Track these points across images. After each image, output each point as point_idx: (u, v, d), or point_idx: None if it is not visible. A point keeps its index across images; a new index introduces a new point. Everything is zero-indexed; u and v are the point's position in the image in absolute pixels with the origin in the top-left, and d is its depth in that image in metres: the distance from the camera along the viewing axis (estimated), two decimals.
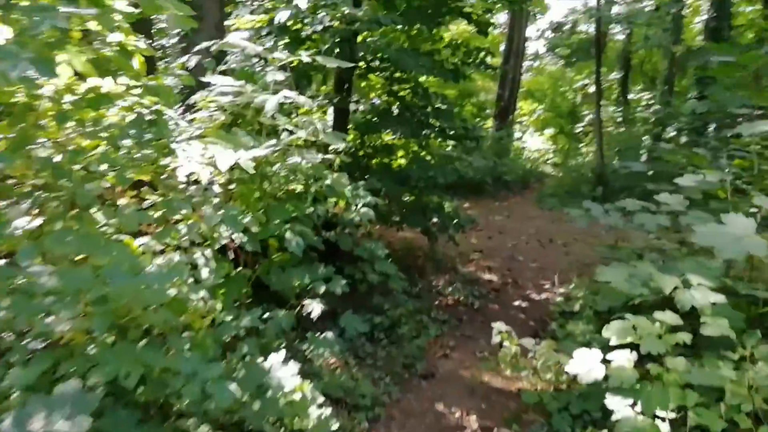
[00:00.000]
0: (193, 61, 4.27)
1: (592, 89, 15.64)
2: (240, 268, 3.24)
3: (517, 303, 5.72)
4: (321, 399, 2.75)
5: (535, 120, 19.61)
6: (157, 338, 2.22)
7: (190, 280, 2.67)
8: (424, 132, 6.01)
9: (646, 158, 12.30)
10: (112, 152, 2.75)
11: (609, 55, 16.82)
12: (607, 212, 4.16)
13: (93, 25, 2.62)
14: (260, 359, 2.68)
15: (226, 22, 5.56)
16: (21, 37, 2.05)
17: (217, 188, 3.21)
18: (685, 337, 2.52)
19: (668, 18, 12.71)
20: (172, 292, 2.32)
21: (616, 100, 17.22)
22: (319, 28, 5.10)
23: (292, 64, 4.39)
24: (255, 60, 5.06)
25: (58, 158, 2.60)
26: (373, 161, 6.07)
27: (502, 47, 15.86)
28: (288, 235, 3.25)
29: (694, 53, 11.60)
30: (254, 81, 3.64)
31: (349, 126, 5.82)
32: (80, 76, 2.70)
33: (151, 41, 4.26)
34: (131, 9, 2.59)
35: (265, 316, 3.08)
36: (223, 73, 4.09)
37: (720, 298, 2.58)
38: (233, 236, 3.02)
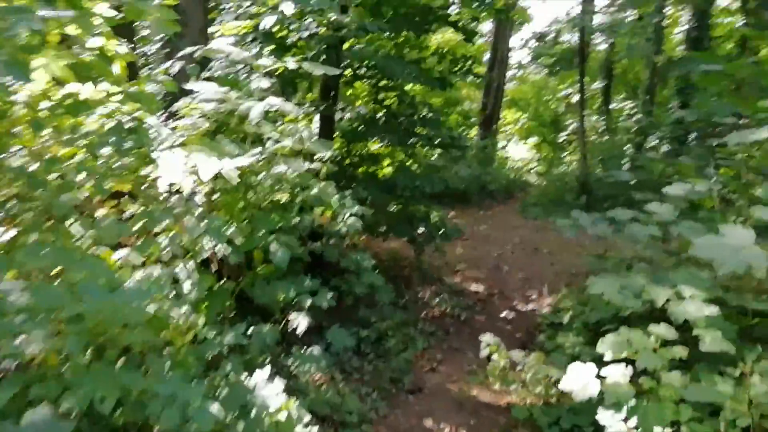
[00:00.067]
0: (176, 67, 4.16)
1: (575, 98, 15.80)
2: (223, 281, 3.14)
3: (503, 314, 5.67)
4: (307, 417, 2.65)
5: (519, 129, 19.73)
6: (135, 357, 2.12)
7: (172, 294, 2.57)
8: (410, 140, 5.97)
9: (628, 167, 12.41)
10: (90, 161, 2.64)
11: (591, 65, 16.99)
12: (595, 222, 4.13)
13: (72, 29, 2.52)
14: (244, 376, 2.58)
15: (210, 29, 5.46)
16: None
17: (199, 198, 3.11)
18: (681, 351, 2.48)
19: (650, 29, 12.89)
20: (153, 308, 2.21)
21: (599, 109, 17.41)
22: (305, 34, 5.03)
23: (278, 71, 4.31)
24: (240, 67, 4.97)
25: (33, 167, 2.49)
26: (359, 170, 6.01)
27: (486, 56, 15.95)
28: (273, 246, 3.15)
29: (676, 63, 11.77)
30: (239, 88, 3.55)
31: (335, 134, 5.75)
32: (58, 82, 2.59)
33: (133, 47, 4.15)
34: (112, 13, 2.50)
35: (250, 331, 2.98)
36: (207, 79, 3.99)
37: (714, 310, 2.55)
38: (216, 248, 2.93)
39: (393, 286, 5.02)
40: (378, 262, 5.00)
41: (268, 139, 3.43)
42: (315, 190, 3.50)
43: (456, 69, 6.17)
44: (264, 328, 3.03)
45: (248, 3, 5.64)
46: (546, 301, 5.91)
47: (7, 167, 2.46)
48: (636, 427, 2.48)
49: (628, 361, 2.62)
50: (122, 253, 2.61)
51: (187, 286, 2.67)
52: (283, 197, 3.56)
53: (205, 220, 2.80)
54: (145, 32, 7.56)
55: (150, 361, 2.09)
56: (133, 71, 3.79)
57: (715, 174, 3.95)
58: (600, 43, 16.28)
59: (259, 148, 3.19)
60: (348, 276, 4.34)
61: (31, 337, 1.81)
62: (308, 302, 3.27)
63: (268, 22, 4.51)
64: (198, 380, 2.20)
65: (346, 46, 5.45)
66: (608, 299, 3.00)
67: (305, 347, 3.34)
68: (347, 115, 6.10)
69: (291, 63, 3.60)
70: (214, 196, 3.20)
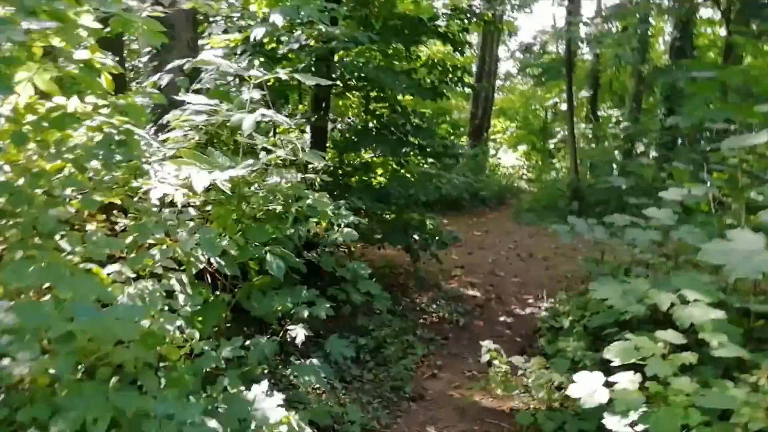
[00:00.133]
0: (165, 80, 4.11)
1: (563, 107, 15.94)
2: (218, 294, 3.07)
3: (502, 319, 5.65)
4: (308, 430, 2.58)
5: (509, 137, 19.87)
6: (129, 375, 2.03)
7: (166, 308, 2.49)
8: (403, 149, 5.95)
9: (617, 173, 12.52)
10: (77, 175, 2.56)
11: (578, 74, 17.17)
12: (591, 227, 4.12)
13: (57, 42, 2.46)
14: (242, 389, 2.50)
15: (199, 42, 5.42)
16: None
17: (192, 210, 3.04)
18: (690, 358, 2.43)
19: (635, 39, 13.07)
20: (146, 323, 2.13)
21: (586, 117, 17.57)
22: (296, 46, 5.00)
23: (269, 83, 4.27)
24: (230, 79, 4.92)
25: (18, 182, 2.41)
26: (353, 179, 5.98)
27: (474, 67, 16.06)
28: (268, 257, 3.09)
29: (661, 72, 11.93)
30: (229, 100, 3.51)
31: (328, 145, 5.72)
32: (43, 95, 2.52)
33: (120, 60, 4.09)
34: (98, 25, 2.44)
35: (247, 343, 2.90)
36: (197, 92, 3.95)
37: (719, 314, 2.51)
38: (210, 260, 2.86)
39: (390, 293, 4.96)
40: (374, 270, 4.95)
41: (261, 150, 3.38)
42: (310, 201, 3.44)
43: (447, 79, 6.19)
44: (261, 341, 2.95)
45: (237, 16, 5.61)
46: (543, 305, 5.89)
47: None
48: None
49: (635, 367, 2.57)
50: (114, 267, 2.53)
51: (181, 299, 2.59)
52: (278, 208, 3.50)
53: (198, 233, 2.73)
54: (134, 46, 7.52)
55: (144, 378, 2.00)
56: (122, 84, 3.72)
57: (709, 178, 3.95)
58: (586, 54, 16.47)
59: (252, 160, 3.13)
60: (345, 285, 4.28)
61: (18, 358, 1.73)
62: (305, 313, 3.21)
63: (258, 33, 4.48)
64: (195, 396, 2.12)
65: (336, 57, 5.43)
66: (611, 304, 2.95)
67: (303, 358, 3.27)
68: (339, 126, 6.07)
69: (283, 74, 3.56)
70: (207, 208, 3.13)
